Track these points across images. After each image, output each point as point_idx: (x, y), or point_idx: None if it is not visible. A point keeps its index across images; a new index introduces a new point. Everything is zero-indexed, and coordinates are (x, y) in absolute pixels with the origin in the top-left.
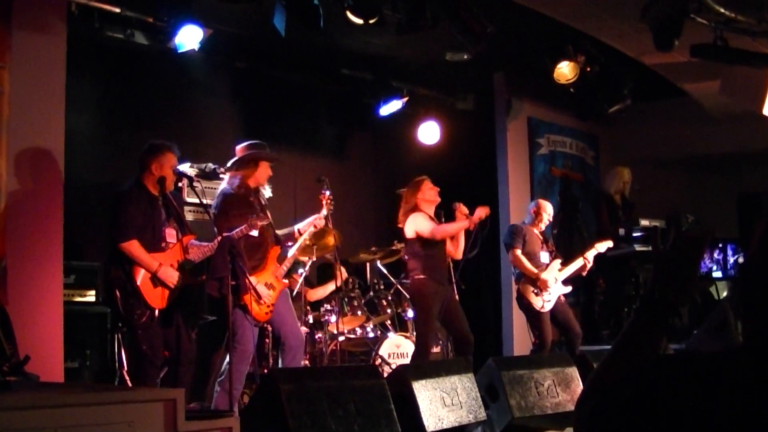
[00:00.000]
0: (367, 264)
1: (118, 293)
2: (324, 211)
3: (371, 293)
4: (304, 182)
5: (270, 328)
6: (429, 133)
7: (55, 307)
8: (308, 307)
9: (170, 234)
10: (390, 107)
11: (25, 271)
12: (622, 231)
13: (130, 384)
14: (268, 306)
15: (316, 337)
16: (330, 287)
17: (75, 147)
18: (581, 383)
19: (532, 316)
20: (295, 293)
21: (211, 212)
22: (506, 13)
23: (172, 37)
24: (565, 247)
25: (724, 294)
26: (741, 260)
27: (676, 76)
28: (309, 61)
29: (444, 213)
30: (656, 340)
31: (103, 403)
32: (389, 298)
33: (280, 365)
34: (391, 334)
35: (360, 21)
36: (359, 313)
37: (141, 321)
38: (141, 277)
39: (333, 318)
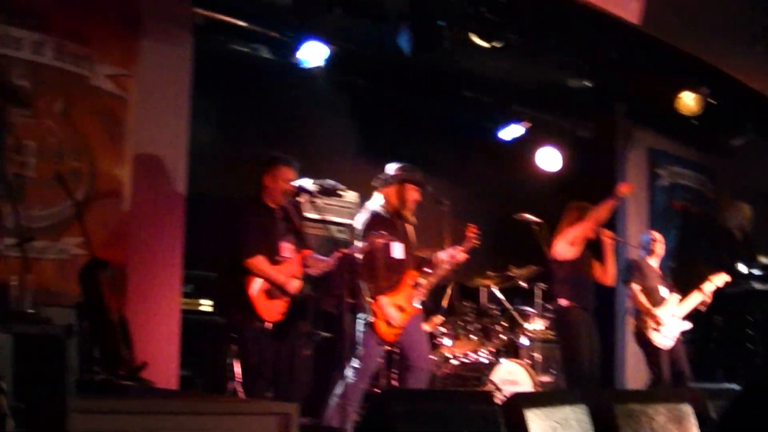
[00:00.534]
0: (482, 289)
1: (231, 305)
2: (467, 244)
3: (485, 319)
4: (421, 204)
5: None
6: (548, 159)
7: (173, 315)
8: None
9: (286, 248)
10: (510, 131)
11: (145, 279)
12: (741, 268)
13: (242, 396)
14: (396, 327)
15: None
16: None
17: (197, 157)
18: (695, 421)
19: (650, 352)
20: None
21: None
22: (630, 42)
23: (296, 52)
24: (683, 281)
25: None
26: None
27: None
28: (430, 82)
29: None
30: None
31: (217, 412)
32: (503, 324)
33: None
34: (503, 361)
35: (485, 44)
36: (473, 337)
37: (252, 333)
38: (255, 289)
39: (447, 341)
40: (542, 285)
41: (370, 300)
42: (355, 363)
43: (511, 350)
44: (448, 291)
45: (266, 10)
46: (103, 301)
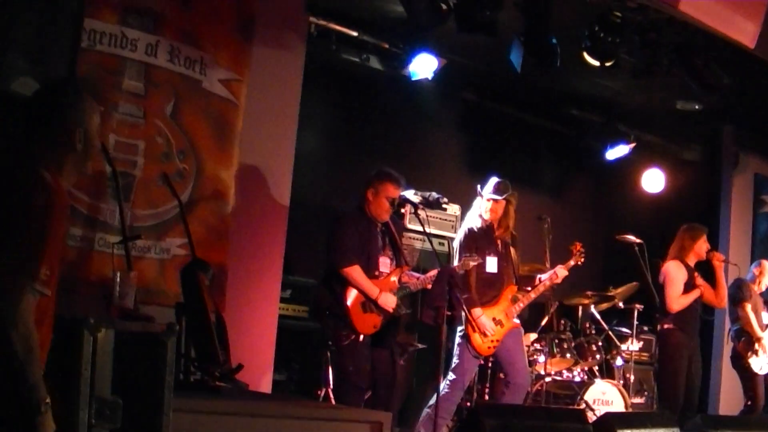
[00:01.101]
0: (580, 308)
1: (326, 314)
2: (571, 262)
3: (581, 337)
4: (522, 220)
5: (481, 362)
6: (653, 180)
7: (270, 319)
8: None
9: (384, 263)
10: (616, 151)
11: (245, 282)
12: None
13: (334, 402)
14: (492, 341)
15: None
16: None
17: (302, 164)
18: None
19: (748, 377)
20: None
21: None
22: (742, 66)
23: (406, 64)
24: None
25: None
26: None
27: None
28: (537, 99)
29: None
30: None
31: (311, 418)
32: (599, 344)
33: (487, 398)
34: (597, 380)
35: (596, 63)
36: (568, 356)
37: (347, 342)
38: (351, 301)
39: (541, 358)
40: (639, 306)
41: (465, 312)
42: (450, 375)
43: (606, 370)
44: (550, 310)
45: (379, 20)
46: (203, 302)
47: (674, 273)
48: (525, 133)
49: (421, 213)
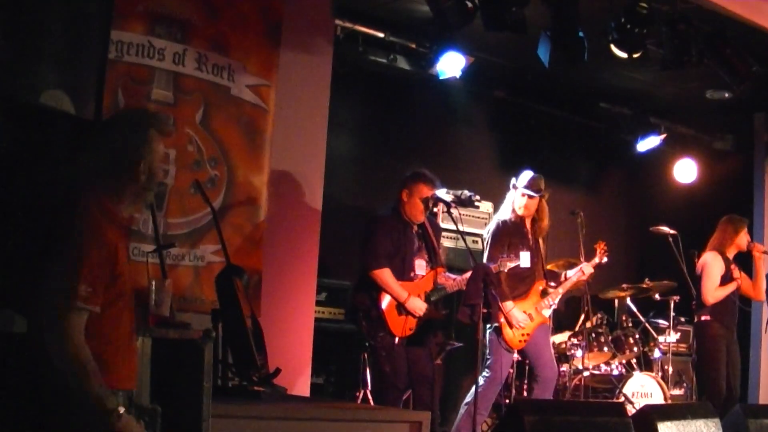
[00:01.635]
0: (616, 301)
1: (361, 317)
2: (596, 260)
3: (618, 331)
4: (556, 215)
5: (518, 358)
6: (685, 171)
7: (306, 322)
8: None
9: (419, 265)
10: (647, 143)
11: (280, 286)
12: None
13: (372, 404)
14: (523, 334)
15: (561, 370)
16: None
17: (333, 167)
18: None
19: None
20: None
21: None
22: None
23: (434, 63)
24: None
25: None
26: None
27: None
28: (567, 94)
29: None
30: None
31: (350, 419)
32: (636, 336)
33: (525, 395)
34: (636, 373)
35: (624, 55)
36: (605, 349)
37: (383, 344)
38: (386, 304)
39: (579, 353)
40: (676, 298)
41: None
42: (485, 372)
43: (644, 363)
44: (584, 305)
45: (405, 21)
46: (238, 307)
47: (711, 264)
48: (556, 129)
49: (454, 211)
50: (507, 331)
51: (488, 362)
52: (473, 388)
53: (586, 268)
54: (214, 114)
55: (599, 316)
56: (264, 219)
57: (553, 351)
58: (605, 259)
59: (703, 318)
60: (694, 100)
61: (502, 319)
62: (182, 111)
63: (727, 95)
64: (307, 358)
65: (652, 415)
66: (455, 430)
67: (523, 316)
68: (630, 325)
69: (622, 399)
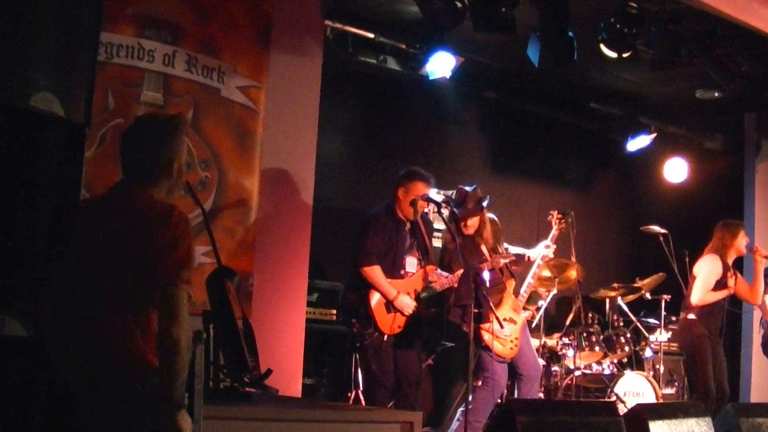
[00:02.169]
0: (607, 300)
1: (353, 315)
2: (555, 233)
3: (610, 330)
4: (547, 216)
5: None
6: (675, 171)
7: (297, 324)
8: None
9: (410, 263)
10: (637, 143)
11: (272, 287)
12: None
13: (364, 404)
14: (512, 341)
15: (552, 370)
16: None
17: (324, 169)
18: None
19: None
20: (534, 326)
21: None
22: (760, 52)
23: (423, 64)
24: None
25: None
26: None
27: None
28: (557, 94)
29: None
30: None
31: (341, 420)
32: (628, 335)
33: (515, 395)
34: (627, 372)
35: (614, 55)
36: (597, 349)
37: (373, 344)
38: (375, 302)
39: (570, 352)
40: (667, 297)
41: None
42: (485, 382)
43: (635, 362)
44: (575, 305)
45: (395, 21)
46: (230, 308)
47: (709, 267)
48: (546, 129)
49: (445, 212)
50: (496, 345)
51: (485, 376)
52: (468, 398)
53: (546, 249)
54: (205, 116)
55: (591, 315)
56: (255, 220)
57: (533, 347)
58: (563, 227)
59: (689, 317)
60: (684, 100)
61: (486, 337)
62: (172, 113)
63: (717, 95)
64: (299, 359)
65: (643, 414)
66: None
67: (508, 326)
68: (621, 324)
69: (613, 398)
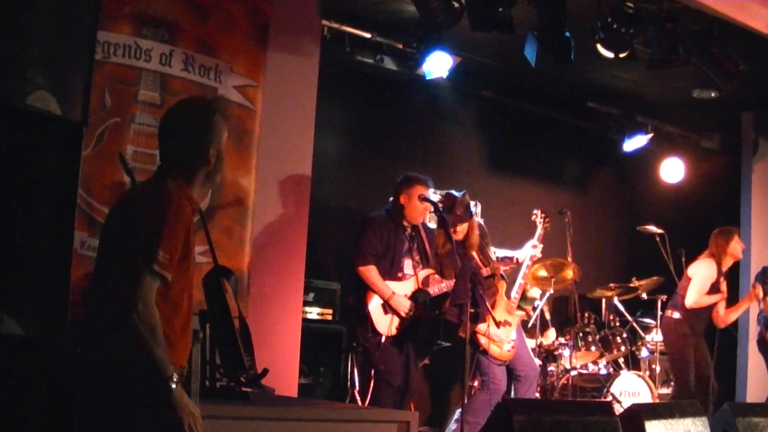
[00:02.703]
0: (604, 300)
1: (350, 316)
2: (540, 232)
3: (606, 330)
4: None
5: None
6: (672, 170)
7: (294, 323)
8: (542, 341)
9: (408, 265)
10: (634, 143)
11: (268, 287)
12: None
13: (360, 404)
14: (508, 342)
15: (548, 369)
16: (551, 334)
17: (321, 168)
18: None
19: None
20: (530, 325)
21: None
22: (758, 51)
23: (421, 63)
24: None
25: None
26: None
27: None
28: (555, 94)
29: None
30: None
31: (338, 420)
32: (624, 335)
33: (512, 395)
34: (624, 372)
35: (611, 55)
36: (593, 348)
37: (370, 344)
38: (372, 302)
39: (567, 352)
40: (663, 297)
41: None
42: (485, 384)
43: (631, 362)
44: (571, 304)
45: (392, 21)
46: (226, 308)
47: (705, 271)
48: (544, 129)
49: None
50: (493, 349)
51: (484, 380)
52: (464, 398)
53: (532, 251)
54: None
55: (587, 315)
56: (252, 220)
57: (529, 347)
58: (548, 226)
59: (674, 315)
60: (681, 100)
61: (483, 341)
62: None
63: (714, 94)
64: (295, 358)
65: (639, 413)
66: None
67: (503, 330)
68: (617, 324)
69: (609, 398)
